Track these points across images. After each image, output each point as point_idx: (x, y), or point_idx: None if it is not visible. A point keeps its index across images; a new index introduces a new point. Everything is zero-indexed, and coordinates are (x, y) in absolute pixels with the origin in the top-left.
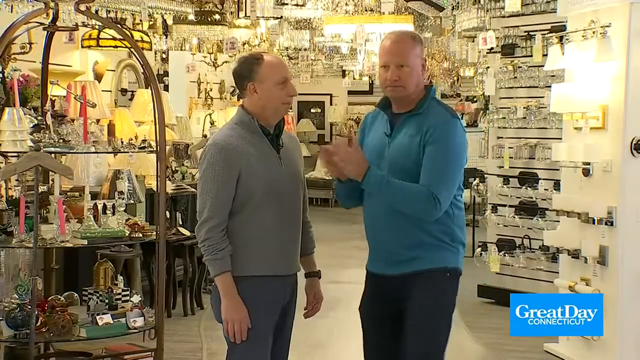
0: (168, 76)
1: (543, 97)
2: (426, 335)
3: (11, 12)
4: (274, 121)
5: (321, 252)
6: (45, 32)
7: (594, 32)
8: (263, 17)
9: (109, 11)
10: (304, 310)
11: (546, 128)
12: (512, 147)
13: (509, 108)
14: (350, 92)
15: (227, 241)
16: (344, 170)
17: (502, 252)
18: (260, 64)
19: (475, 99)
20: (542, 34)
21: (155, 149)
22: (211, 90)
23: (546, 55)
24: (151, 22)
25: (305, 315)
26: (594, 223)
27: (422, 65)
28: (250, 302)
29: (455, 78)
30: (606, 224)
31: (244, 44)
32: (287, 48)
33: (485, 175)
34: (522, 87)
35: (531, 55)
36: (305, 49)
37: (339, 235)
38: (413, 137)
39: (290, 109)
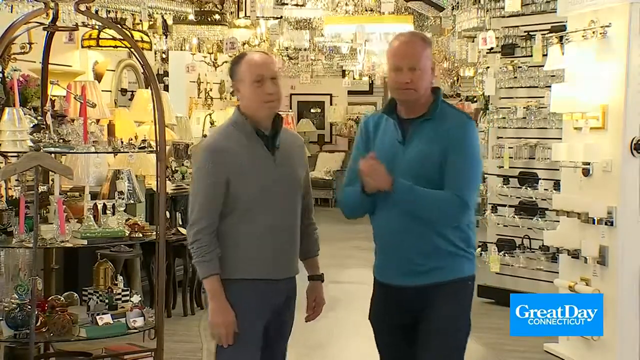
0: (168, 76)
1: (543, 97)
2: (450, 345)
3: (11, 12)
4: (265, 121)
5: (321, 252)
6: (45, 32)
7: (594, 32)
8: (263, 17)
9: (109, 11)
10: (306, 313)
11: (546, 128)
12: (512, 147)
13: (509, 108)
14: (350, 92)
15: (216, 244)
16: (369, 183)
17: (502, 252)
18: (240, 63)
19: (475, 99)
20: (542, 34)
21: (155, 149)
22: (211, 90)
23: (546, 55)
24: (151, 22)
25: (306, 319)
26: (594, 223)
27: (431, 68)
28: (239, 305)
29: (455, 78)
30: (606, 224)
31: (243, 44)
32: (287, 48)
33: (485, 175)
34: (522, 87)
35: (531, 55)
36: (305, 49)
37: (339, 235)
38: (432, 143)
39: (290, 108)
